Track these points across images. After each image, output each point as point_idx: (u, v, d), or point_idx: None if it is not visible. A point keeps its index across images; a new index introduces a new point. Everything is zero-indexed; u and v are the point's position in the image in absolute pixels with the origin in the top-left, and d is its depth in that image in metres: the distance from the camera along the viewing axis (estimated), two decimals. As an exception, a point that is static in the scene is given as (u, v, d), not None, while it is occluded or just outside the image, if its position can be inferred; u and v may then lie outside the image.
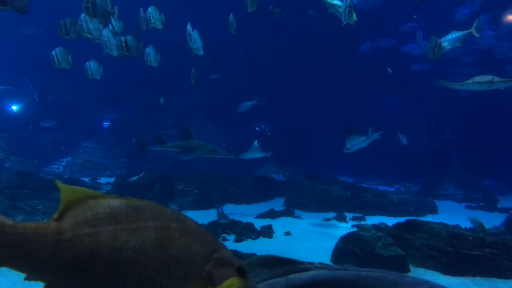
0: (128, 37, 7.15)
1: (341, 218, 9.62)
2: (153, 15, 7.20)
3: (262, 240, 7.38)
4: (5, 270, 5.01)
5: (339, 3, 6.33)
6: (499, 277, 5.47)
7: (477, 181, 15.33)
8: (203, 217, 8.85)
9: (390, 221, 7.95)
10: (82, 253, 1.37)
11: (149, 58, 7.87)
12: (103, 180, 14.43)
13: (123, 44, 7.12)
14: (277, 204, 11.67)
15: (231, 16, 8.00)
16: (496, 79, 6.26)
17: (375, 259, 5.45)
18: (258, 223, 8.12)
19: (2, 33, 18.68)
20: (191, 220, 1.61)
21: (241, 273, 1.58)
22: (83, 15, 6.60)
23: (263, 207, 10.99)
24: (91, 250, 1.38)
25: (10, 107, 20.12)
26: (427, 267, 5.76)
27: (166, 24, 7.40)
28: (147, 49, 7.85)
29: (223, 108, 19.99)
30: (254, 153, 9.39)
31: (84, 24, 6.64)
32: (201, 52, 7.58)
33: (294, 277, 1.81)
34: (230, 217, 8.92)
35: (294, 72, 21.97)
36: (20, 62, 18.93)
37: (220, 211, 9.37)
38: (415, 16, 17.58)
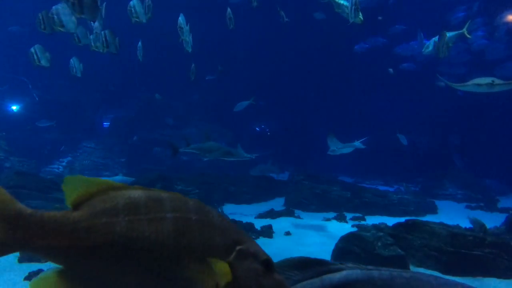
0: (107, 32, 6.98)
1: (341, 218, 9.62)
2: (136, 9, 6.96)
3: (262, 240, 7.37)
4: (5, 270, 5.02)
5: (345, 3, 6.36)
6: (499, 277, 5.47)
7: (477, 181, 15.33)
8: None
9: (390, 221, 7.95)
10: (97, 242, 1.44)
11: (139, 53, 7.88)
12: (103, 180, 14.40)
13: (104, 39, 6.97)
14: (277, 204, 11.67)
15: (228, 10, 7.98)
16: (497, 81, 6.21)
17: (375, 259, 5.44)
18: (258, 223, 8.12)
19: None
20: (215, 212, 1.63)
21: (267, 266, 1.58)
22: (55, 8, 6.17)
23: (263, 207, 10.99)
24: (107, 239, 1.44)
25: (10, 107, 20.11)
26: (427, 267, 5.76)
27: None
28: (139, 44, 7.87)
29: (223, 108, 20.00)
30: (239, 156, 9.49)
31: (55, 17, 6.14)
32: (190, 49, 7.51)
33: (328, 277, 1.80)
34: (230, 217, 8.91)
35: (294, 72, 21.97)
36: (16, 62, 18.92)
37: (220, 211, 9.39)
38: (380, 18, 17.57)
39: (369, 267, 1.84)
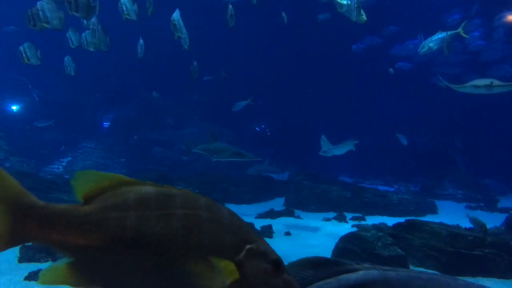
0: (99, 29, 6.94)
1: (341, 218, 9.61)
2: (126, 6, 6.87)
3: (262, 240, 7.36)
4: (5, 270, 5.02)
5: (348, 3, 6.37)
6: (499, 277, 5.47)
7: (477, 181, 15.32)
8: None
9: (390, 221, 7.95)
10: (107, 235, 1.46)
11: (140, 50, 7.87)
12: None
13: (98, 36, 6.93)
14: (277, 204, 11.67)
15: (230, 7, 7.91)
16: (495, 82, 6.15)
17: (375, 259, 5.44)
18: (258, 223, 8.11)
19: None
20: (226, 210, 1.63)
21: (276, 266, 1.58)
22: (39, 3, 5.95)
23: (263, 207, 10.99)
24: (116, 233, 1.46)
25: (10, 107, 20.10)
26: (427, 267, 5.76)
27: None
28: (140, 41, 7.87)
29: (223, 108, 20.03)
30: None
31: (41, 13, 5.91)
32: (186, 46, 7.43)
33: (344, 277, 1.78)
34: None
35: (294, 71, 21.98)
36: (16, 62, 18.92)
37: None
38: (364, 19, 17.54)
39: (386, 267, 1.82)
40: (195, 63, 9.03)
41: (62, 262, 1.49)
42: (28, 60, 6.59)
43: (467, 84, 6.45)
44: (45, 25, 6.01)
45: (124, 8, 6.82)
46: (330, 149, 9.01)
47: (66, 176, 15.39)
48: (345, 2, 6.43)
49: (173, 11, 6.97)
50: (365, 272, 1.78)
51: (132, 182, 1.55)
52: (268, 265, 1.56)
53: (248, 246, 1.56)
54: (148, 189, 1.54)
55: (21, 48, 6.59)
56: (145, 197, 1.51)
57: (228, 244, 1.54)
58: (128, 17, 6.90)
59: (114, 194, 1.52)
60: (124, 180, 1.56)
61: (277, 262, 1.58)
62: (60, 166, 17.43)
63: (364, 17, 6.29)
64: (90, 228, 1.46)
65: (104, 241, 1.46)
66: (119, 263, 1.47)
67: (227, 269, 1.50)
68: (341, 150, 9.24)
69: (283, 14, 10.36)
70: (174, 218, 1.49)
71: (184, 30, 7.00)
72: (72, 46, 7.24)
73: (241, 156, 8.14)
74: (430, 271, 5.63)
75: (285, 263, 1.67)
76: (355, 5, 6.20)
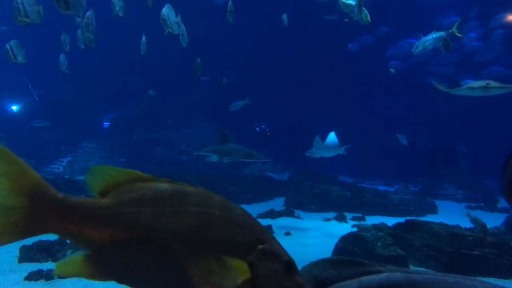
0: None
1: (341, 218, 9.61)
2: (118, 3, 6.89)
3: (262, 240, 7.34)
4: (5, 270, 5.02)
5: (353, 2, 6.39)
6: (499, 277, 5.47)
7: (477, 181, 15.32)
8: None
9: (390, 221, 7.95)
10: (121, 229, 1.49)
11: (142, 47, 7.90)
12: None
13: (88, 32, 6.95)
14: (277, 204, 11.67)
15: (230, 3, 7.89)
16: (492, 84, 6.04)
17: (375, 259, 5.44)
18: (258, 223, 8.09)
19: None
20: (240, 209, 1.64)
21: (288, 267, 1.58)
22: None
23: (263, 207, 10.98)
24: (130, 227, 1.49)
25: (10, 107, 20.10)
26: (427, 267, 5.77)
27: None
28: (143, 38, 7.90)
29: (223, 108, 20.03)
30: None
31: (20, 6, 5.73)
32: (185, 44, 7.39)
33: (366, 279, 1.75)
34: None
35: (294, 71, 21.98)
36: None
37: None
38: (346, 20, 17.54)
39: (411, 270, 1.79)
40: (199, 60, 8.97)
41: (79, 254, 1.52)
42: (15, 58, 6.49)
43: (463, 87, 6.38)
44: (25, 19, 5.82)
45: (117, 6, 6.86)
46: (316, 150, 8.83)
47: (66, 176, 15.40)
48: (350, 2, 6.45)
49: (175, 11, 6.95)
50: (388, 274, 1.75)
51: (148, 179, 1.59)
52: (280, 266, 1.56)
53: (260, 246, 1.57)
54: (163, 186, 1.56)
55: (7, 46, 6.43)
56: (159, 193, 1.54)
57: (241, 243, 1.55)
58: (118, 13, 6.93)
59: (130, 190, 1.54)
60: (140, 176, 1.59)
61: (289, 264, 1.58)
62: (60, 166, 17.42)
63: (368, 18, 6.31)
64: (105, 222, 1.49)
65: (119, 235, 1.48)
66: (132, 257, 1.50)
67: (239, 269, 1.51)
68: (329, 152, 9.01)
69: (284, 16, 10.32)
70: (187, 215, 1.51)
71: (176, 27, 6.94)
72: (66, 50, 7.27)
73: (252, 157, 8.04)
74: (430, 271, 5.63)
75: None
76: (356, 3, 6.22)
